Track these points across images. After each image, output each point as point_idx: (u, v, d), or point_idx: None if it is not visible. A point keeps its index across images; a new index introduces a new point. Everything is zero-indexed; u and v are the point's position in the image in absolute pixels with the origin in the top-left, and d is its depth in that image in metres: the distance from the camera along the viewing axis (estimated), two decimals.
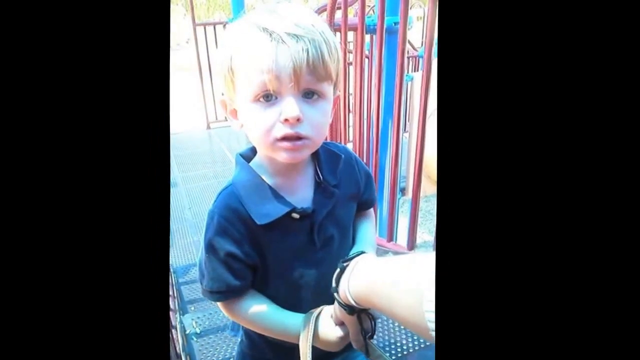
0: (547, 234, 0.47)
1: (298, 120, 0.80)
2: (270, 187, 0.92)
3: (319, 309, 0.94)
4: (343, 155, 1.00)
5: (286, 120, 0.79)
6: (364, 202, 1.08)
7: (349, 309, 0.85)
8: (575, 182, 0.46)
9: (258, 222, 0.89)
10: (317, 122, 0.83)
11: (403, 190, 3.41)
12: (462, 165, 0.49)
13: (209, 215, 0.93)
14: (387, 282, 0.74)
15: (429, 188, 3.68)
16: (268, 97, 0.80)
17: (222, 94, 0.92)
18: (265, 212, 0.90)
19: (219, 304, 0.99)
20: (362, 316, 0.87)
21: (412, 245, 2.31)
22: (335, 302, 0.88)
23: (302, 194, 0.95)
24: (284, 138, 0.81)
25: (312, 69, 0.78)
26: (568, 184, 0.46)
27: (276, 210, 0.90)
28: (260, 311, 0.97)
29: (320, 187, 0.96)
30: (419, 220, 2.31)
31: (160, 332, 0.53)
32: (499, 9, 0.47)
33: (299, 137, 0.81)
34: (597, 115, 0.45)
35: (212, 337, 1.87)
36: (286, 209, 0.90)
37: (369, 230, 1.12)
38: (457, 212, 0.50)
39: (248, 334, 1.09)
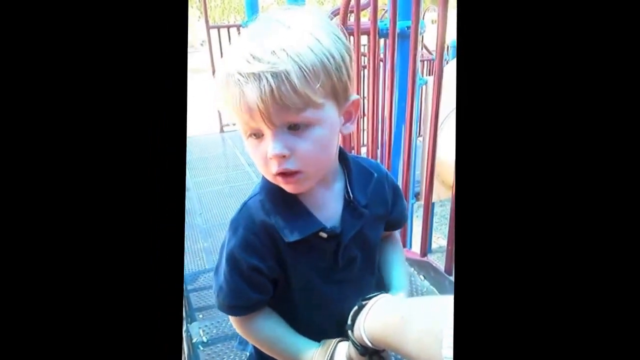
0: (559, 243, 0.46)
1: (284, 157, 0.76)
2: (299, 200, 0.89)
3: (335, 340, 0.91)
4: (376, 175, 0.96)
5: (272, 158, 0.77)
6: (393, 222, 1.04)
7: (362, 349, 0.83)
8: (592, 184, 0.45)
9: (287, 239, 0.86)
10: (308, 154, 0.79)
11: (417, 195, 3.37)
12: (480, 171, 0.48)
13: (232, 225, 0.90)
14: (403, 321, 0.73)
15: (444, 192, 3.64)
16: (256, 134, 0.78)
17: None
18: (294, 229, 0.86)
19: (232, 318, 0.96)
20: (374, 358, 0.85)
21: (424, 252, 2.27)
22: (349, 340, 0.86)
23: (329, 211, 0.92)
24: (279, 173, 0.79)
25: (282, 105, 0.73)
26: (584, 185, 0.45)
27: (306, 228, 0.87)
28: (274, 331, 0.94)
29: (349, 205, 0.92)
30: (435, 224, 2.28)
31: (172, 342, 0.53)
32: (516, 13, 0.46)
33: (291, 173, 0.79)
34: (623, 128, 0.44)
35: (219, 346, 1.85)
36: (316, 228, 0.87)
37: (402, 269, 1.08)
38: (474, 219, 0.49)
39: (258, 349, 1.05)
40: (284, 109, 0.74)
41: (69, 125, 0.48)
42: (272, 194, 0.89)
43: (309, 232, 0.87)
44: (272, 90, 0.71)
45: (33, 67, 0.47)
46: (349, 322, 0.87)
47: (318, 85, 0.75)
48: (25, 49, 0.46)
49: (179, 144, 0.52)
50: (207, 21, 5.44)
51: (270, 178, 0.84)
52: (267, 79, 0.71)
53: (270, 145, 0.76)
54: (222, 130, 5.57)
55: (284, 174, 0.80)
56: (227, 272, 0.90)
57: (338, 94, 0.80)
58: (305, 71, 0.73)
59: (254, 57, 0.72)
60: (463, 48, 0.48)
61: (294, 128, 0.77)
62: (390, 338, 0.75)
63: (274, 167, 0.79)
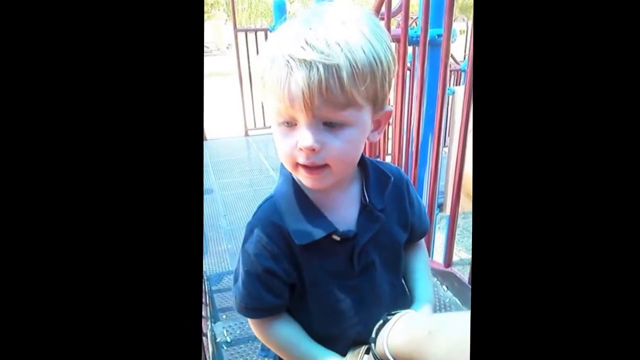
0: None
1: (313, 150, 0.76)
2: (312, 203, 0.89)
3: (362, 350, 0.89)
4: (392, 178, 0.95)
5: (301, 149, 0.76)
6: (414, 232, 1.03)
7: None
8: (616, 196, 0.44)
9: (297, 242, 0.86)
10: (339, 151, 0.78)
11: (440, 207, 3.35)
12: (499, 182, 0.48)
13: (248, 228, 0.90)
14: (430, 336, 0.72)
15: (467, 205, 3.61)
16: (288, 123, 0.77)
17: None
18: (305, 232, 0.86)
19: (250, 321, 0.96)
20: None
21: (449, 262, 2.26)
22: (370, 354, 0.85)
23: (345, 214, 0.91)
24: (303, 165, 0.79)
25: (326, 98, 0.72)
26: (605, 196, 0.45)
27: (317, 231, 0.86)
28: (291, 337, 0.94)
29: (365, 209, 0.91)
30: (456, 237, 2.26)
31: (192, 340, 0.53)
32: (534, 24, 0.46)
33: (317, 167, 0.78)
34: None
35: (242, 347, 1.86)
36: (327, 231, 0.87)
37: (426, 279, 1.06)
38: (493, 231, 0.48)
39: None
40: (327, 102, 0.73)
41: (82, 127, 0.48)
42: (286, 197, 0.90)
43: (319, 235, 0.86)
44: (320, 80, 0.71)
45: (48, 70, 0.46)
46: (373, 335, 0.86)
47: (363, 86, 0.74)
48: (40, 52, 0.46)
49: (195, 145, 0.52)
50: (234, 24, 5.48)
51: (291, 168, 0.83)
52: (318, 68, 0.70)
53: (304, 137, 0.76)
54: (247, 134, 5.61)
55: (308, 167, 0.79)
56: (243, 275, 0.90)
57: (377, 100, 0.80)
58: (355, 69, 0.72)
59: (308, 44, 0.71)
60: (479, 59, 0.48)
61: (330, 125, 0.76)
62: (416, 353, 0.74)
63: (301, 158, 0.78)
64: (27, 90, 0.46)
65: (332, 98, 0.73)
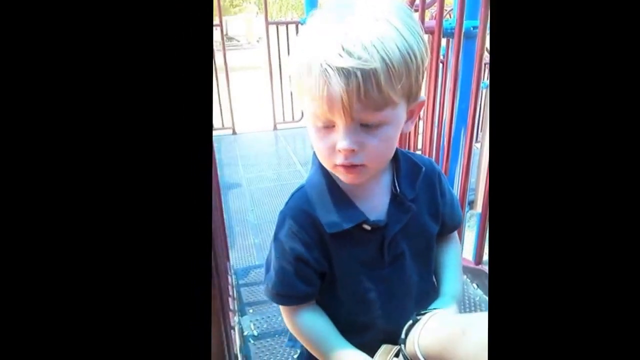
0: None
1: (353, 151, 0.77)
2: (343, 192, 0.89)
3: (392, 353, 0.88)
4: (424, 168, 0.95)
5: (340, 150, 0.77)
6: (445, 225, 1.01)
7: None
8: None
9: (327, 231, 0.86)
10: (375, 150, 0.80)
11: (471, 204, 3.29)
12: (518, 180, 0.48)
13: (280, 216, 0.92)
14: (463, 335, 0.72)
15: None
16: (327, 125, 0.78)
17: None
18: (336, 221, 0.87)
19: (281, 309, 0.97)
20: None
21: (479, 260, 2.23)
22: (401, 355, 0.85)
23: (375, 203, 0.91)
24: (342, 165, 0.79)
25: (365, 102, 0.73)
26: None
27: (347, 220, 0.87)
28: (320, 330, 0.94)
29: (396, 199, 0.91)
30: (487, 234, 2.22)
31: (200, 337, 0.52)
32: (551, 23, 0.46)
33: (355, 165, 0.79)
34: None
35: (269, 341, 1.88)
36: (357, 220, 0.87)
37: (454, 273, 1.04)
38: (510, 229, 0.48)
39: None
40: (365, 106, 0.73)
41: (88, 124, 0.48)
42: (317, 186, 0.91)
43: (350, 224, 0.87)
44: (358, 86, 0.71)
45: (50, 70, 0.47)
46: (402, 336, 0.86)
47: (399, 85, 0.74)
48: (42, 51, 0.46)
49: (204, 140, 0.52)
50: (266, 17, 5.47)
51: (329, 167, 0.85)
52: (356, 75, 0.70)
53: (342, 139, 0.77)
54: (275, 128, 5.60)
55: (346, 166, 0.80)
56: (275, 262, 0.92)
57: (411, 94, 0.80)
58: (392, 70, 0.72)
59: (345, 50, 0.71)
60: (497, 57, 0.49)
61: (367, 125, 0.77)
62: (447, 352, 0.74)
63: (339, 159, 0.79)
64: (31, 84, 0.46)
65: (370, 101, 0.73)
